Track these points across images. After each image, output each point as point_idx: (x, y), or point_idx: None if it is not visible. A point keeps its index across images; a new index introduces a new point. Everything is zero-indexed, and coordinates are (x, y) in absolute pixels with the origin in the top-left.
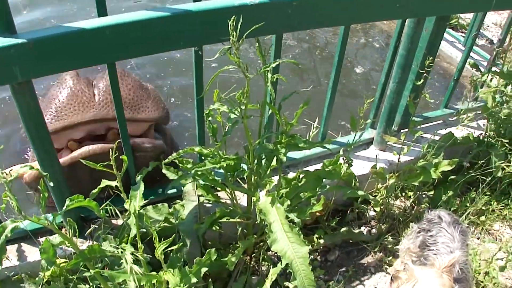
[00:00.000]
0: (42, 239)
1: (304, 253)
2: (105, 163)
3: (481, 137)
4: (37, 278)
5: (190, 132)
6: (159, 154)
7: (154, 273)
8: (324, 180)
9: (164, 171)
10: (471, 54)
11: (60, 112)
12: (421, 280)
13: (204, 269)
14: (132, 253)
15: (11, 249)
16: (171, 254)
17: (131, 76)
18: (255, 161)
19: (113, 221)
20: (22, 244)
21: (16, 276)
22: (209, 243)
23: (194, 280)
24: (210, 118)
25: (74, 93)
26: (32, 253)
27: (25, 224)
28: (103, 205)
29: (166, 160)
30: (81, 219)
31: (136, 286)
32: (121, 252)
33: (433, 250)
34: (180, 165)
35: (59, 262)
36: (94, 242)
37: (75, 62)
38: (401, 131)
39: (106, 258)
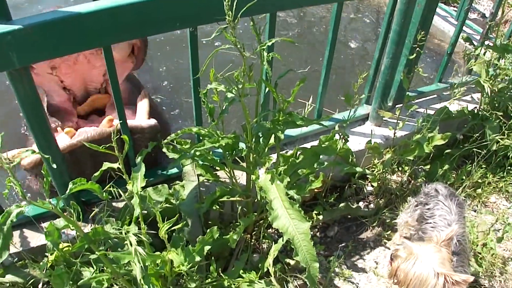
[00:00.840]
0: (44, 224)
1: (305, 229)
2: (106, 145)
3: (476, 111)
4: (41, 263)
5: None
6: (155, 134)
7: (158, 253)
8: (321, 156)
9: (164, 150)
10: (463, 28)
11: None
12: (420, 256)
13: (207, 247)
14: (135, 234)
15: (14, 235)
16: (173, 234)
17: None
18: (253, 140)
19: (114, 204)
20: (24, 230)
21: (20, 262)
22: (210, 222)
23: (197, 258)
24: (206, 99)
25: None
26: (35, 239)
27: (28, 209)
28: (106, 187)
29: (165, 141)
30: (82, 203)
31: (141, 266)
32: (125, 234)
33: (430, 223)
34: (178, 146)
35: (62, 247)
36: (97, 225)
37: (72, 46)
38: (396, 106)
39: (109, 241)
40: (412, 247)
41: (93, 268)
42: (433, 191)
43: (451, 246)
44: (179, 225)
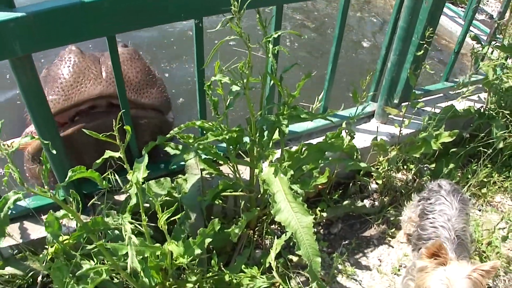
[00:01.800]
0: (45, 217)
1: (308, 223)
2: (107, 134)
3: (482, 110)
4: (40, 255)
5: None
6: (162, 122)
7: (158, 244)
8: (326, 153)
9: (166, 148)
10: (471, 28)
11: (68, 91)
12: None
13: (207, 240)
14: (135, 226)
15: (14, 227)
16: (175, 226)
17: (142, 60)
18: (257, 133)
19: (116, 197)
20: (24, 222)
21: (20, 254)
22: (212, 217)
23: (198, 251)
24: (210, 92)
25: (81, 71)
26: (35, 231)
27: (28, 202)
28: (105, 174)
29: (168, 135)
30: (84, 196)
31: (133, 254)
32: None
33: (430, 219)
34: (182, 139)
35: (62, 239)
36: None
37: (75, 35)
38: (402, 104)
39: (109, 232)
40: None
41: (94, 261)
42: (436, 187)
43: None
44: (178, 216)
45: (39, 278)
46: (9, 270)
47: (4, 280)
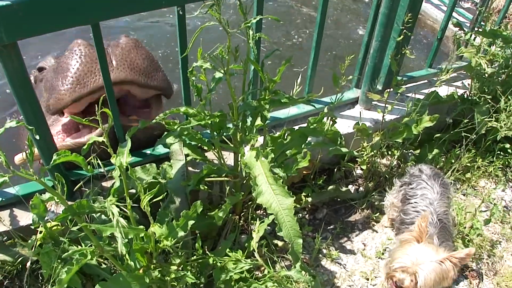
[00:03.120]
0: None
1: (289, 205)
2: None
3: (465, 95)
4: (29, 241)
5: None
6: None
7: (141, 226)
8: (309, 138)
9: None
10: (457, 16)
11: (83, 80)
12: (419, 265)
13: (191, 222)
14: (120, 210)
15: (4, 214)
16: (159, 210)
17: (144, 48)
18: (240, 118)
19: (104, 184)
20: (14, 209)
21: (9, 241)
22: None
23: (181, 233)
24: (194, 78)
25: (93, 60)
26: (25, 218)
27: (17, 189)
28: (89, 158)
29: (153, 121)
30: (72, 183)
31: (122, 237)
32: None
33: (412, 203)
34: (167, 126)
35: (50, 225)
36: None
37: (60, 23)
38: (386, 90)
39: (96, 218)
40: (405, 263)
41: (81, 247)
42: (417, 171)
43: (427, 232)
44: (160, 197)
45: (28, 264)
46: None
47: None
